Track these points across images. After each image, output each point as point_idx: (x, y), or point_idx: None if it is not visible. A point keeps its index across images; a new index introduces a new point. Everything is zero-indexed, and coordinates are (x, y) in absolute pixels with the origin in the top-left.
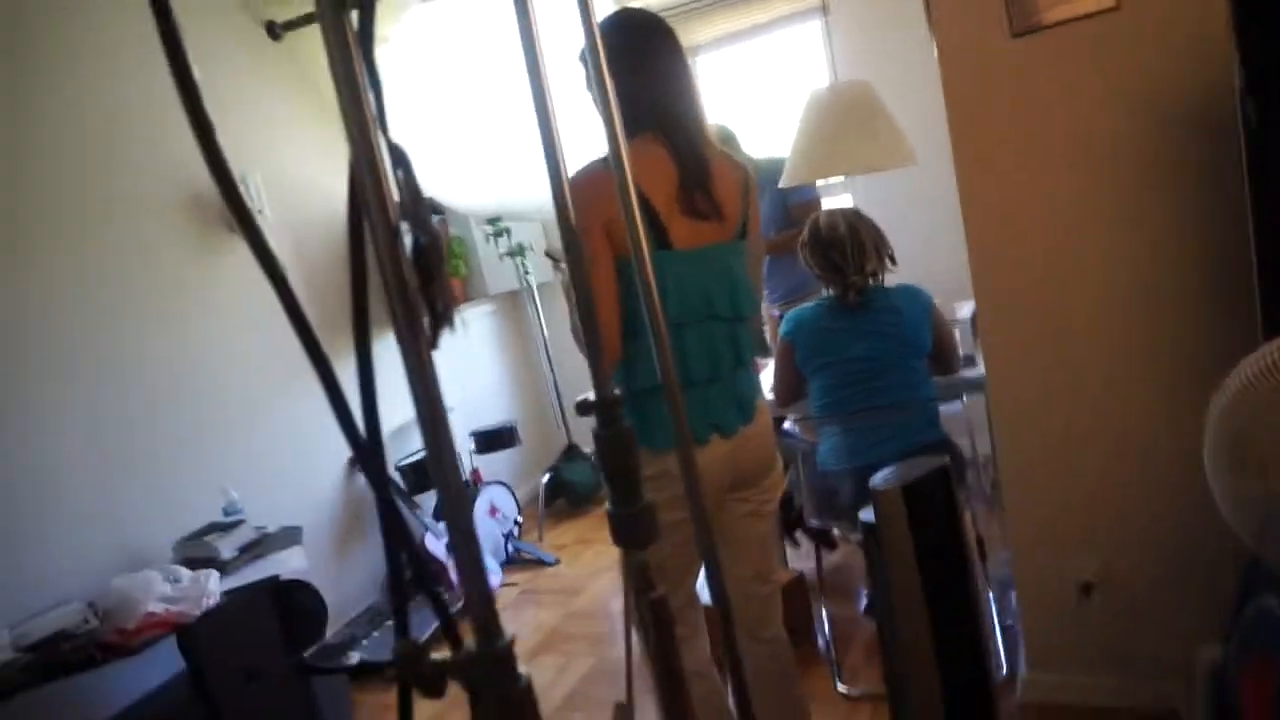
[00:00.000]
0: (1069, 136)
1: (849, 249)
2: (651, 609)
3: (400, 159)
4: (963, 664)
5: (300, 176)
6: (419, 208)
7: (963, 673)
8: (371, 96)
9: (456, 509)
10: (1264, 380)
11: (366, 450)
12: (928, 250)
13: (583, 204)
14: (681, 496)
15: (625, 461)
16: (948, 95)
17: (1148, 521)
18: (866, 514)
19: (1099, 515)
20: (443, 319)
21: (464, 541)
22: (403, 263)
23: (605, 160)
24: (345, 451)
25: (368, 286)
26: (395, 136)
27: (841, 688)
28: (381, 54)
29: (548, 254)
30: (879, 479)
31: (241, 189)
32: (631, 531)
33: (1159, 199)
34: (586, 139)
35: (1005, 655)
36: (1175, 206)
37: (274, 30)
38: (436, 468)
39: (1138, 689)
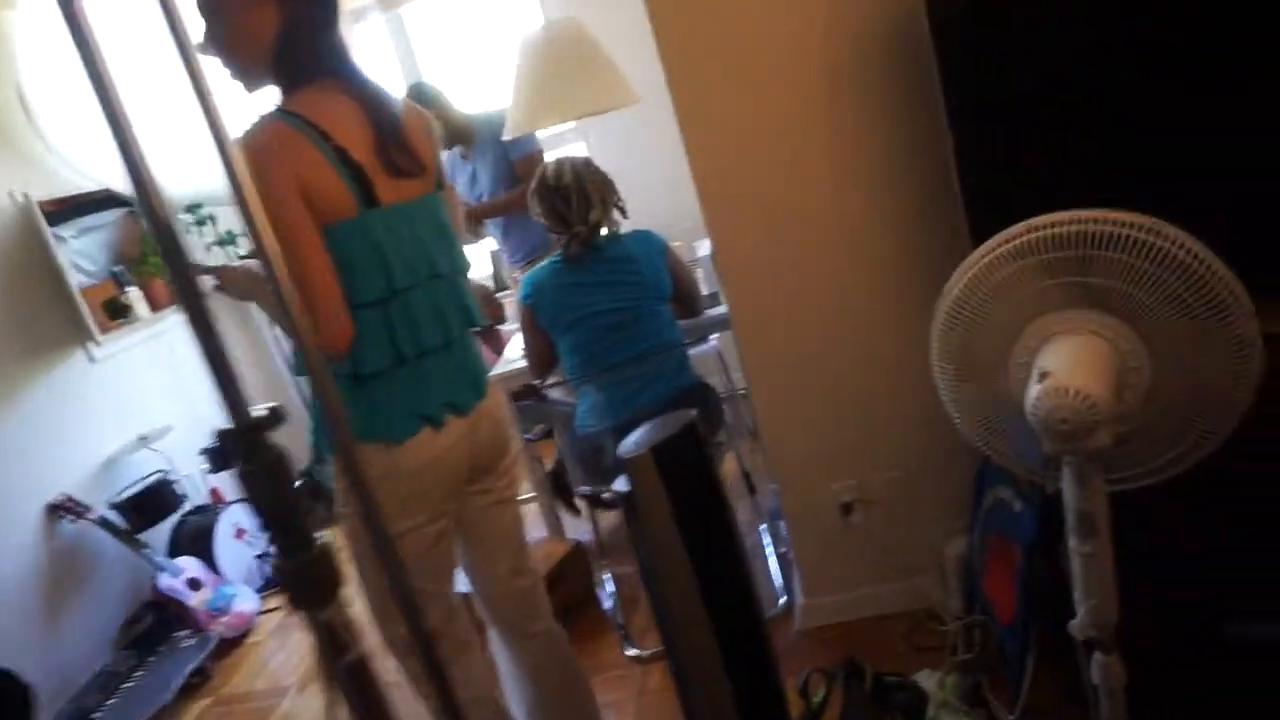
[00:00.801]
0: (782, 56)
1: (574, 198)
2: (350, 674)
3: None
4: (734, 612)
5: None
6: None
7: (735, 621)
8: None
9: None
10: (973, 291)
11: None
12: (666, 191)
13: (265, 166)
14: (418, 494)
15: (283, 500)
16: (655, 23)
17: (896, 436)
18: (621, 483)
19: (850, 435)
20: None
21: None
22: None
23: (280, 113)
24: (39, 497)
25: None
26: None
27: (631, 651)
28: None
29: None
30: (628, 445)
31: None
32: (308, 586)
33: (873, 118)
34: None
35: (784, 586)
36: (889, 124)
37: None
38: None
39: (901, 594)
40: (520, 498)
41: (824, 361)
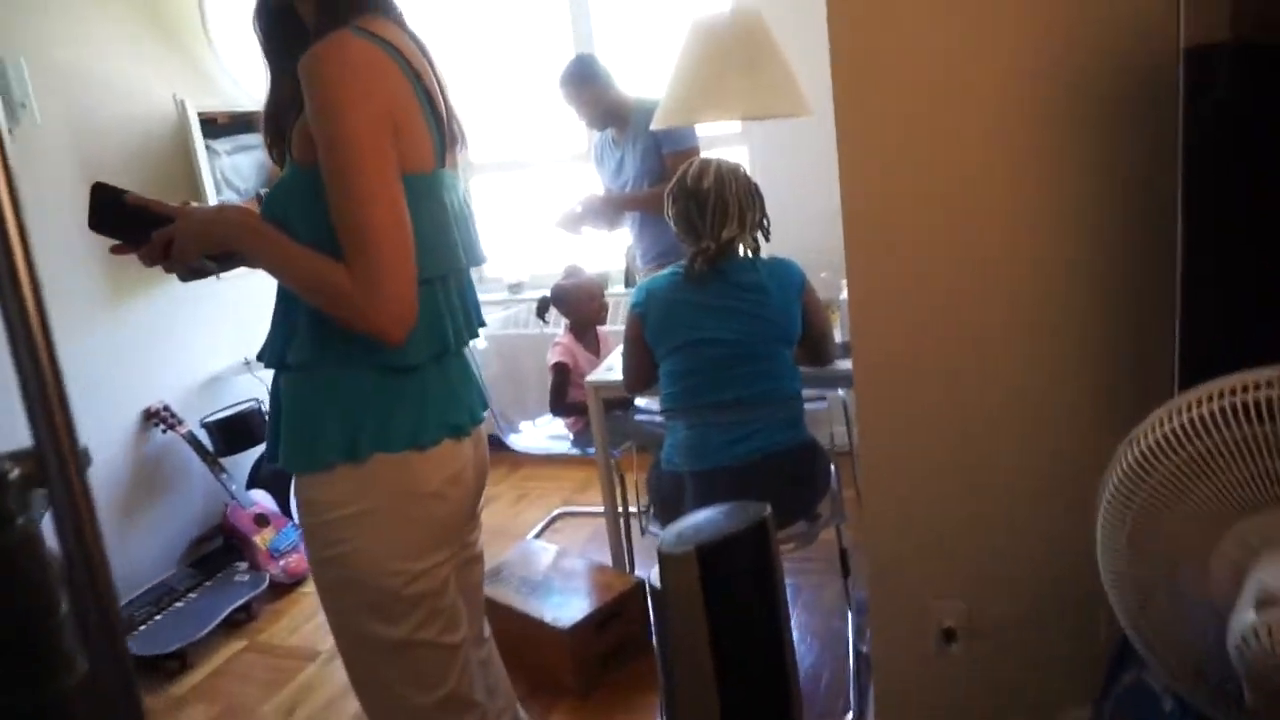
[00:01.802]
0: (970, 88)
1: (710, 207)
2: None
3: None
4: None
5: (93, 70)
6: None
7: None
8: None
9: None
10: (1170, 449)
11: None
12: (823, 220)
13: (356, 90)
14: (440, 520)
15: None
16: (831, 25)
17: (1026, 560)
18: (653, 575)
19: (969, 546)
20: None
21: None
22: None
23: (364, 31)
24: (139, 401)
25: None
26: None
27: None
28: None
29: None
30: (669, 536)
31: None
32: None
33: (1073, 175)
34: None
35: (858, 697)
36: (1091, 202)
37: None
38: None
39: None
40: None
41: (954, 448)
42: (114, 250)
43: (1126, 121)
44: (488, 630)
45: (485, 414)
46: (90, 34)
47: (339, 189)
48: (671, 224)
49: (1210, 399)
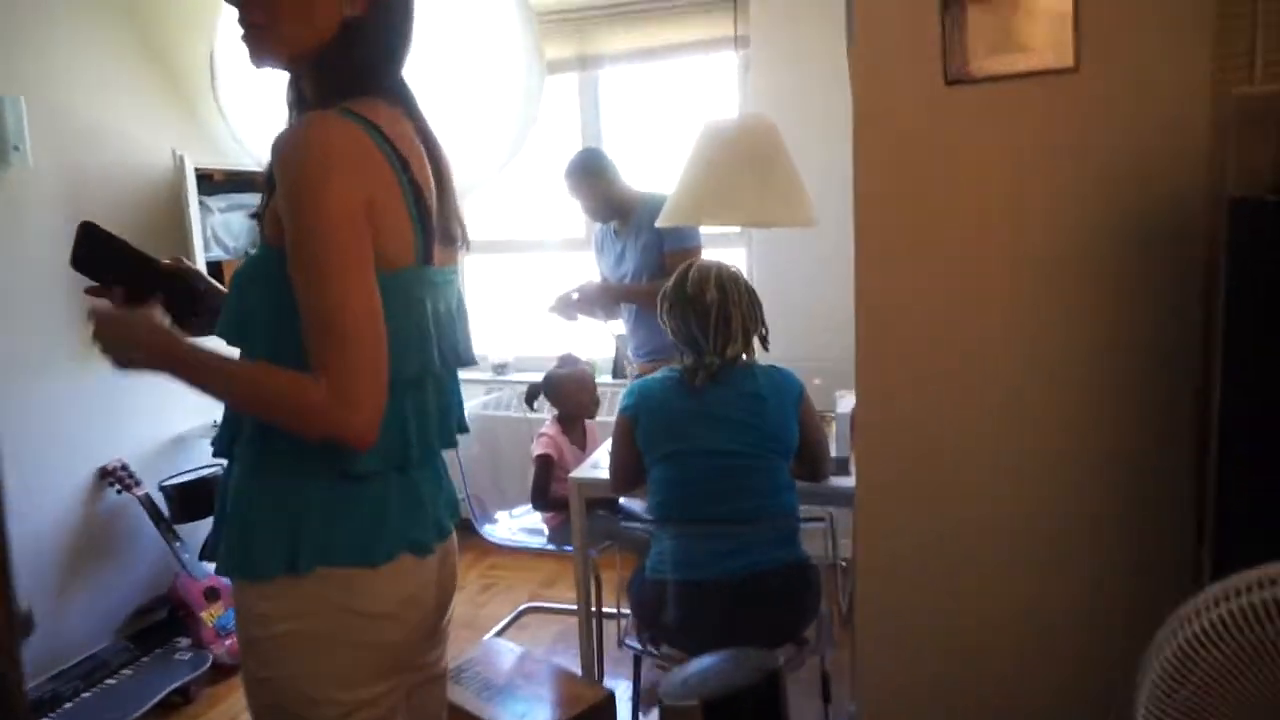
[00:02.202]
0: (997, 215)
1: (713, 321)
2: None
3: None
4: None
5: (93, 116)
6: None
7: None
8: None
9: None
10: (1212, 645)
11: None
12: (818, 326)
13: (331, 173)
14: (386, 647)
15: None
16: (857, 145)
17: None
18: None
19: (971, 698)
20: None
21: None
22: None
23: (351, 113)
24: (96, 458)
25: None
26: None
27: None
28: None
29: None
30: (673, 683)
31: None
32: None
33: (1097, 331)
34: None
35: None
36: (1120, 333)
37: None
38: None
39: None
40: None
41: (960, 590)
42: (88, 291)
43: (1148, 264)
44: None
45: (453, 523)
46: (95, 80)
47: (310, 284)
48: (666, 328)
49: (1259, 587)
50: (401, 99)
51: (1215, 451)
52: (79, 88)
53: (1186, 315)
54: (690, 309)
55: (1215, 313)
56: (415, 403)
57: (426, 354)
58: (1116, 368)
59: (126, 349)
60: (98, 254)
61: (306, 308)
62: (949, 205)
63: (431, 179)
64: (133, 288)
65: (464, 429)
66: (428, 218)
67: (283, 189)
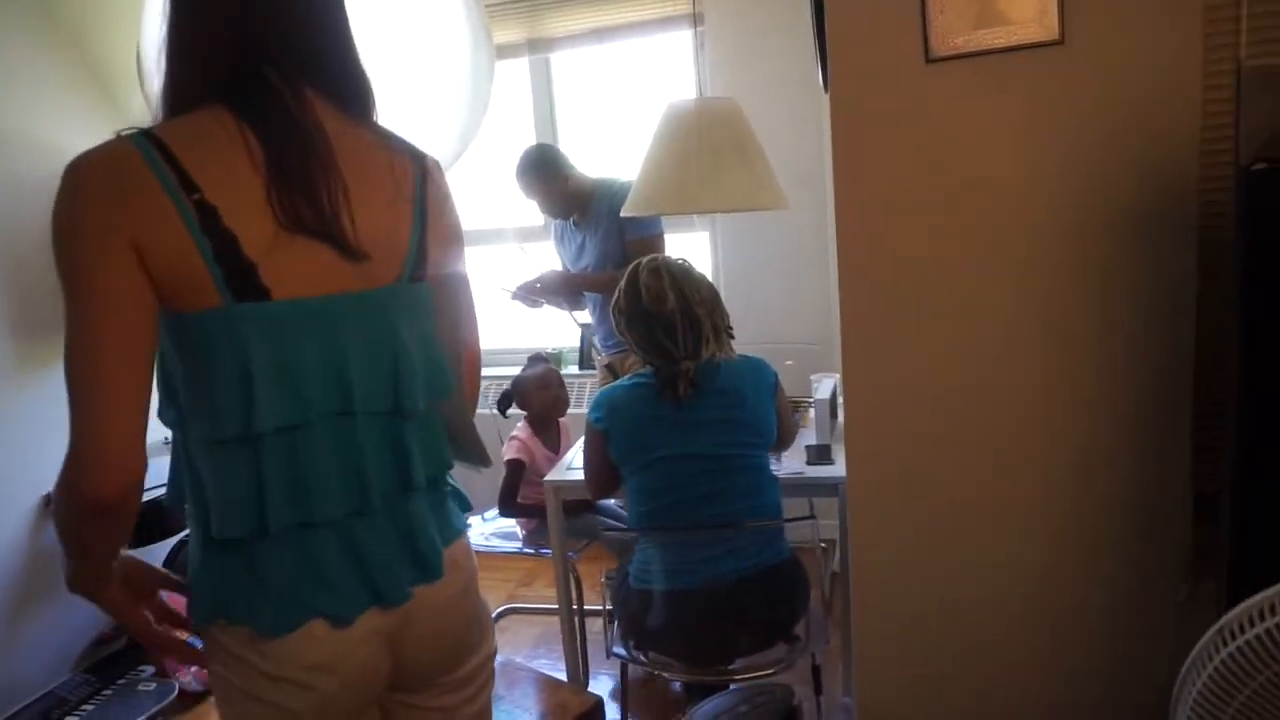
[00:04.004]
0: (982, 196)
1: (680, 328)
2: None
3: None
4: None
5: (25, 129)
6: None
7: None
8: None
9: None
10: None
11: None
12: (787, 308)
13: (75, 207)
14: (297, 715)
15: None
16: (835, 127)
17: (1024, 717)
18: None
19: (964, 689)
20: None
21: None
22: None
23: (136, 137)
24: (40, 485)
25: None
26: None
27: None
28: None
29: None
30: None
31: None
32: None
33: (1088, 309)
34: None
35: None
36: (1106, 321)
37: None
38: None
39: None
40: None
41: (954, 569)
42: None
43: (1141, 234)
44: None
45: (423, 588)
46: (22, 90)
47: (66, 310)
48: (626, 340)
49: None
50: (243, 100)
51: (1234, 431)
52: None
53: (1179, 291)
54: (653, 322)
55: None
56: (277, 460)
57: (253, 406)
58: (1106, 338)
59: None
60: None
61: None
62: (930, 186)
63: (275, 189)
64: None
65: (439, 470)
66: (230, 242)
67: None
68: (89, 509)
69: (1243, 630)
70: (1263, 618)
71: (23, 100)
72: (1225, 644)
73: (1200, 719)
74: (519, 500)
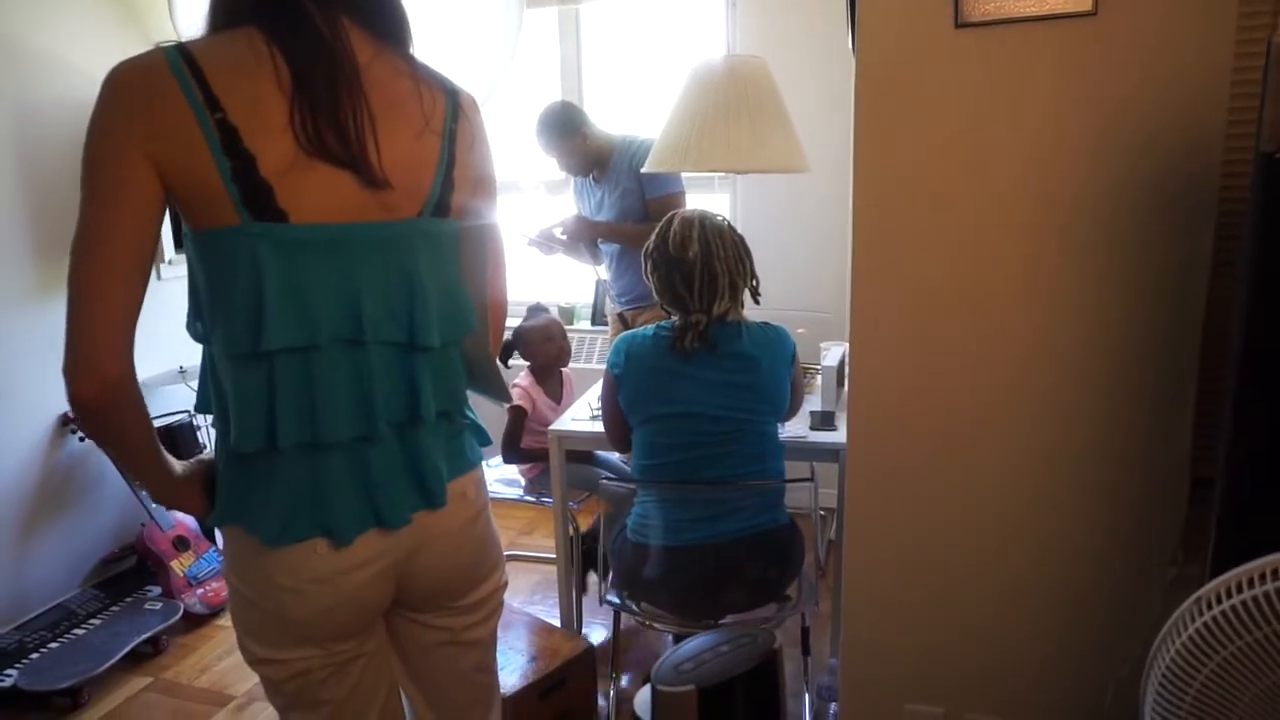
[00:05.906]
0: (1002, 164)
1: (698, 278)
2: None
3: None
4: None
5: (46, 48)
6: None
7: None
8: None
9: None
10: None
11: None
12: (805, 275)
13: (109, 114)
14: (291, 624)
15: None
16: (860, 87)
17: (1014, 672)
18: (643, 705)
19: (951, 646)
20: None
21: None
22: None
23: (170, 51)
24: (57, 405)
25: None
26: None
27: None
28: None
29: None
30: (666, 668)
31: None
32: None
33: (1101, 284)
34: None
35: None
36: (1126, 305)
37: None
38: None
39: None
40: (483, 635)
41: (948, 565)
42: None
43: (1158, 214)
44: None
45: (425, 515)
46: (50, 10)
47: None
48: (651, 288)
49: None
50: (276, 21)
51: (1229, 421)
52: (33, 19)
53: (1190, 273)
54: (674, 268)
55: (1221, 273)
56: (287, 380)
57: (261, 325)
58: (1115, 313)
59: None
60: None
61: None
62: (950, 152)
63: (298, 111)
64: None
65: (453, 405)
66: (249, 162)
67: None
68: (75, 408)
69: (1219, 600)
70: (1240, 590)
71: (51, 25)
72: (1201, 613)
73: (1170, 684)
74: (521, 447)
